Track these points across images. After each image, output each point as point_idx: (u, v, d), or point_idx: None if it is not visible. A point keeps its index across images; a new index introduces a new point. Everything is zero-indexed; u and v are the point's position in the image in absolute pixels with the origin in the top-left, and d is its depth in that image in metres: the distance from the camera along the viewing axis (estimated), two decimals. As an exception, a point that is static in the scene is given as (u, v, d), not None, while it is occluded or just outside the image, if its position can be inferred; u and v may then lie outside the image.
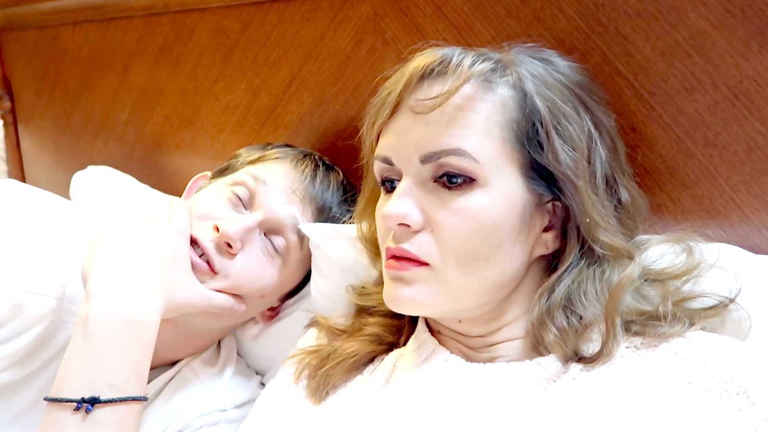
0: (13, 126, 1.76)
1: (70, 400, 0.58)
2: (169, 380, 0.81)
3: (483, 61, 0.59)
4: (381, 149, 0.62)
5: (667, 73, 0.70)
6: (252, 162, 0.87)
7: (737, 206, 0.68)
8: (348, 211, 0.88)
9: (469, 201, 0.57)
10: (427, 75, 0.60)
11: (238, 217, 0.79)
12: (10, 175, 1.79)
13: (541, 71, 0.61)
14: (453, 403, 0.56)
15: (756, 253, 0.67)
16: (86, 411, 0.58)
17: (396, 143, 0.60)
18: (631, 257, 0.59)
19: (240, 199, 0.82)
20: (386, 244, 0.60)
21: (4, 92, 1.74)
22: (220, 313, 0.78)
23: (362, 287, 0.74)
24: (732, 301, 0.58)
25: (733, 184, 0.68)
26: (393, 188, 0.62)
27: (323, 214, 0.85)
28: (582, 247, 0.60)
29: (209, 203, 0.81)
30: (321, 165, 0.89)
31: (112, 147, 1.49)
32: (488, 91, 0.58)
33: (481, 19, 0.83)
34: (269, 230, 0.81)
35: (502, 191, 0.57)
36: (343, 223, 0.86)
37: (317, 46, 1.02)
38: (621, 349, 0.55)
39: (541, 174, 0.59)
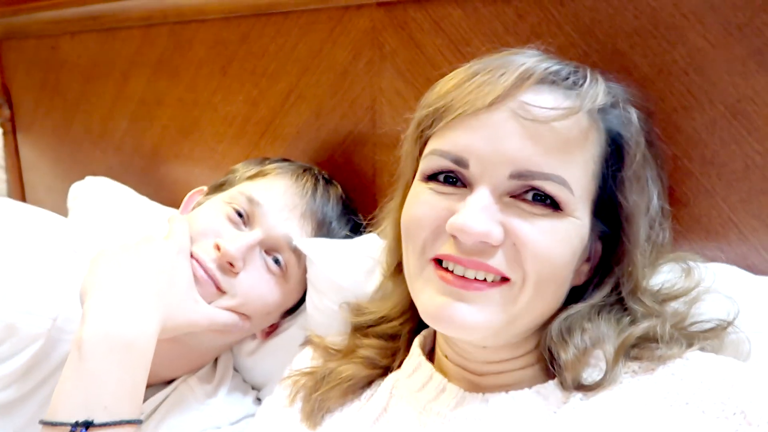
0: (12, 134, 1.77)
1: (65, 424, 0.58)
2: (165, 398, 0.81)
3: (609, 93, 0.57)
4: (454, 147, 0.55)
5: (664, 91, 0.70)
6: (250, 177, 0.87)
7: (735, 225, 0.68)
8: (349, 221, 0.88)
9: (557, 224, 0.53)
10: (544, 79, 0.54)
11: (238, 235, 0.79)
12: (9, 183, 1.79)
13: (631, 109, 0.59)
14: None
15: (755, 273, 0.66)
16: None
17: (483, 146, 0.53)
18: (658, 316, 0.58)
19: (240, 216, 0.82)
20: (440, 249, 0.54)
21: (3, 101, 1.75)
22: (225, 330, 0.77)
23: (358, 305, 0.74)
24: (730, 324, 0.58)
25: (731, 203, 0.68)
26: (450, 183, 0.56)
27: (323, 229, 0.85)
28: (613, 287, 0.59)
29: (209, 220, 0.81)
30: (321, 179, 0.89)
31: (110, 156, 1.49)
32: (595, 123, 0.56)
33: (479, 35, 0.82)
34: (269, 248, 0.81)
35: (581, 224, 0.55)
36: (345, 236, 0.86)
37: (315, 59, 1.02)
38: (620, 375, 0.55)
39: (602, 210, 0.58)
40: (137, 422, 0.61)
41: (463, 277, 0.53)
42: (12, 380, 0.73)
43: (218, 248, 0.77)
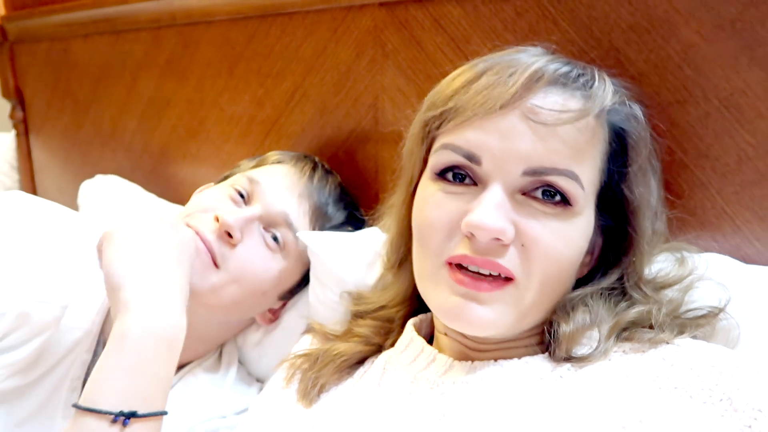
0: (24, 136, 1.80)
1: (109, 412, 0.58)
2: (171, 387, 0.82)
3: (616, 92, 0.58)
4: (466, 143, 0.55)
5: (659, 86, 0.71)
6: (252, 167, 0.90)
7: (729, 217, 0.69)
8: (346, 208, 0.91)
9: (566, 225, 0.55)
10: (554, 81, 0.55)
11: (238, 209, 0.82)
12: (22, 183, 1.82)
13: (635, 106, 0.60)
14: (441, 399, 0.57)
15: (747, 263, 0.67)
16: (123, 424, 0.58)
17: (496, 144, 0.54)
18: (654, 303, 0.59)
19: (241, 195, 0.84)
20: (456, 250, 0.55)
21: (16, 102, 1.78)
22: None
23: (358, 294, 0.75)
24: (721, 310, 0.59)
25: (725, 195, 0.69)
26: (459, 181, 0.57)
27: (318, 212, 0.87)
28: (618, 276, 0.61)
29: (211, 199, 0.84)
30: (320, 166, 0.92)
31: (120, 156, 1.51)
32: (601, 121, 0.57)
33: (479, 32, 0.84)
34: (268, 224, 0.83)
35: (588, 220, 0.57)
36: (342, 224, 0.88)
37: (319, 58, 1.04)
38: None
39: (605, 203, 0.59)
40: (165, 413, 0.62)
41: (476, 275, 0.55)
42: (20, 368, 0.75)
43: (218, 220, 0.79)
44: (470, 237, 0.54)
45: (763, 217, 0.67)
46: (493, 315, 0.54)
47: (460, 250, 0.55)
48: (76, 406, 0.59)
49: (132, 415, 0.58)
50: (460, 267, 0.55)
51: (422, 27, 0.90)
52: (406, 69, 0.93)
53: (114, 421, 0.58)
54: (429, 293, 0.58)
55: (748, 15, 0.65)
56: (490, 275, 0.54)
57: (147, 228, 0.71)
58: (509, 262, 0.54)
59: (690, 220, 0.71)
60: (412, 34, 0.91)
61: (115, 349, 0.61)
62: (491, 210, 0.53)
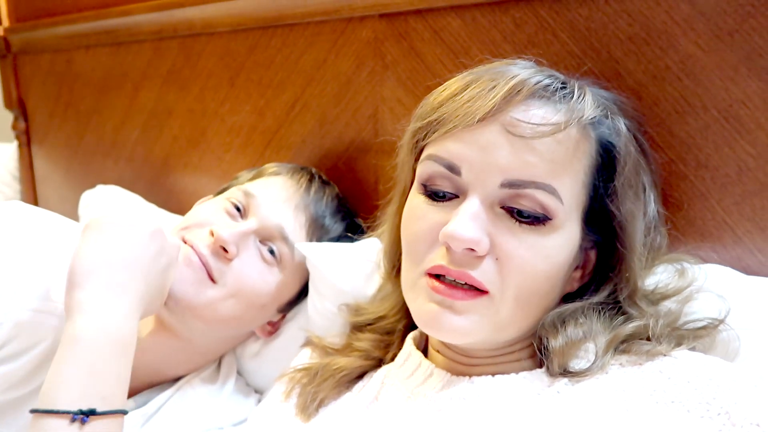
0: (26, 146, 1.81)
1: (67, 412, 0.58)
2: (169, 398, 0.82)
3: (598, 105, 0.58)
4: (447, 154, 0.56)
5: (658, 96, 0.71)
6: (250, 180, 0.90)
7: (729, 228, 0.69)
8: (344, 219, 0.90)
9: (544, 240, 0.55)
10: (534, 94, 0.55)
11: (233, 223, 0.82)
12: (23, 194, 1.83)
13: (619, 119, 0.60)
14: (438, 416, 0.56)
15: (748, 274, 0.67)
16: (81, 422, 0.58)
17: (475, 156, 0.55)
18: (652, 316, 0.58)
19: (237, 209, 0.84)
20: (434, 261, 0.56)
21: (19, 113, 1.79)
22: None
23: (356, 306, 0.75)
24: (721, 322, 0.59)
25: (725, 205, 0.69)
26: (439, 198, 0.58)
27: (315, 225, 0.87)
28: (610, 291, 0.61)
29: (206, 213, 0.84)
30: (317, 178, 0.92)
31: (122, 166, 1.52)
32: (586, 134, 0.57)
33: (478, 43, 0.84)
34: (264, 238, 0.83)
35: (570, 235, 0.57)
36: (341, 235, 0.88)
37: (319, 70, 1.04)
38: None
39: (593, 219, 0.59)
40: (126, 413, 0.62)
41: (452, 284, 0.55)
42: (18, 379, 0.74)
43: (213, 235, 0.79)
44: (448, 247, 0.55)
45: (764, 228, 0.67)
46: (467, 324, 0.55)
47: (438, 260, 0.55)
48: (33, 411, 0.59)
49: (91, 413, 0.58)
50: (437, 277, 0.56)
51: (422, 38, 0.90)
52: (405, 80, 0.93)
53: (73, 420, 0.58)
54: (410, 302, 0.59)
55: (746, 25, 0.65)
56: (466, 285, 0.55)
57: (128, 229, 0.70)
58: (483, 275, 0.54)
59: (690, 231, 0.71)
60: (411, 45, 0.91)
61: (69, 350, 0.62)
62: (466, 220, 0.53)
